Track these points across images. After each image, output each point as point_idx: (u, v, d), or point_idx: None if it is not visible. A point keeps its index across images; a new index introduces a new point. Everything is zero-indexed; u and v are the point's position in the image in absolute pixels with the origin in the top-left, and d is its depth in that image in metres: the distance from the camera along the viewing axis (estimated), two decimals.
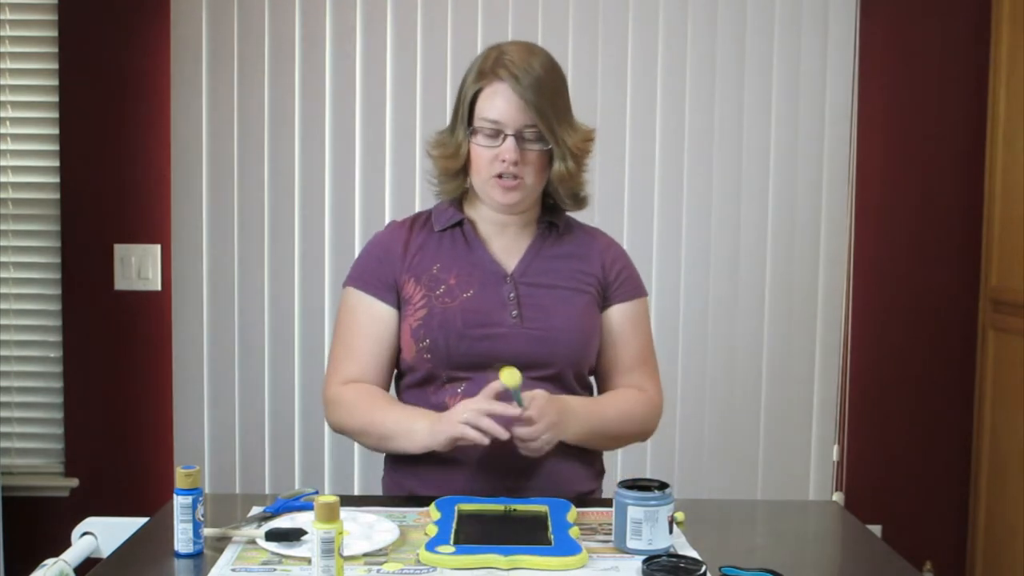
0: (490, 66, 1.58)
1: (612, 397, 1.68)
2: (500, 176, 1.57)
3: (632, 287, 1.71)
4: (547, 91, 1.57)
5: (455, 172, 1.64)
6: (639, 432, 1.71)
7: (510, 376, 1.43)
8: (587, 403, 1.62)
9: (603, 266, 1.68)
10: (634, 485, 1.34)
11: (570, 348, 1.60)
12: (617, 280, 1.69)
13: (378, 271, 1.65)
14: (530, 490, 1.56)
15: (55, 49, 2.68)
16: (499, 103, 1.56)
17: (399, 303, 1.64)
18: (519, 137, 1.56)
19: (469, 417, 1.44)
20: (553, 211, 1.70)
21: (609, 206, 2.65)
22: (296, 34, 2.65)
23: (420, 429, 1.53)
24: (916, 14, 2.71)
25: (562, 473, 1.60)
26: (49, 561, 1.34)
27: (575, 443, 1.57)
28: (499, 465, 1.56)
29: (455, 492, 1.54)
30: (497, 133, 1.57)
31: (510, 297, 1.60)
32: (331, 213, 2.67)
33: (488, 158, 1.57)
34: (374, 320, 1.64)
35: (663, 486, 1.33)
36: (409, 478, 1.64)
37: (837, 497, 2.74)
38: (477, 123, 1.58)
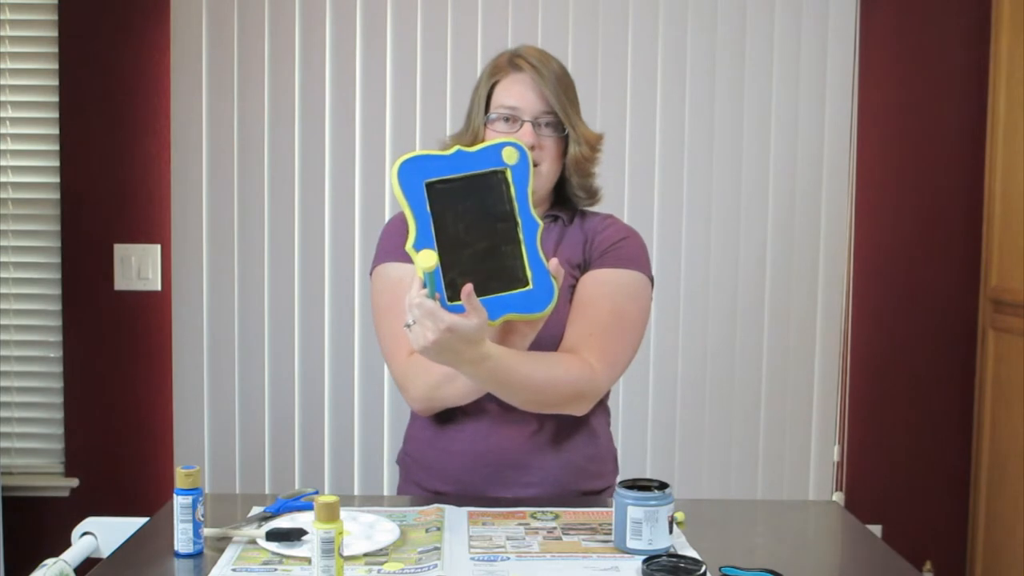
0: (505, 61, 1.61)
1: (546, 360, 1.49)
2: None
3: (616, 258, 1.60)
4: (563, 83, 1.60)
5: None
6: (568, 401, 1.53)
7: (425, 258, 1.26)
8: (510, 355, 1.42)
9: (590, 243, 1.63)
10: (634, 485, 1.33)
11: (552, 344, 1.55)
12: (602, 251, 1.61)
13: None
14: (532, 485, 1.57)
15: (55, 49, 2.68)
16: (517, 90, 1.58)
17: None
18: (535, 124, 1.57)
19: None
20: (562, 207, 1.68)
21: (608, 206, 2.62)
22: (296, 34, 2.65)
23: None
24: (916, 13, 2.71)
25: (567, 470, 1.60)
26: (49, 561, 1.34)
27: (486, 387, 1.46)
28: (500, 458, 1.57)
29: (454, 484, 1.57)
30: (514, 120, 1.57)
31: None
32: (331, 213, 2.67)
33: None
34: None
35: (663, 486, 1.33)
36: (415, 469, 1.66)
37: (837, 497, 2.74)
38: (494, 111, 1.59)
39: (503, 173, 1.36)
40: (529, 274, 1.36)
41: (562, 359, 1.51)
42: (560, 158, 1.61)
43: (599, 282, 1.59)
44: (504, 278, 1.35)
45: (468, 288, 1.28)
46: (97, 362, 2.72)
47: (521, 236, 1.36)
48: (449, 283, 1.30)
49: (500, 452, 1.57)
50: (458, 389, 1.51)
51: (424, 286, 1.28)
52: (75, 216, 2.70)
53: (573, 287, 1.60)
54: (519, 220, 1.36)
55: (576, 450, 1.61)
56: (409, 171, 1.32)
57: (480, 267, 1.33)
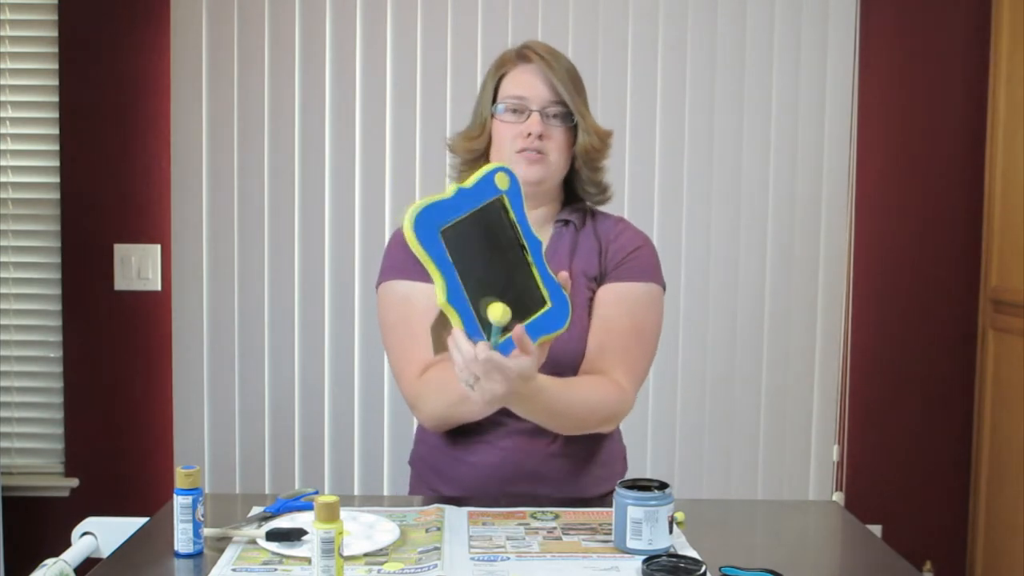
0: (514, 55, 1.61)
1: (583, 385, 1.54)
2: (523, 151, 1.56)
3: (631, 270, 1.61)
4: (572, 76, 1.61)
5: (478, 156, 1.62)
6: (602, 424, 1.59)
7: (501, 312, 1.28)
8: (556, 384, 1.46)
9: (605, 253, 1.63)
10: (634, 485, 1.33)
11: (572, 358, 1.57)
12: (617, 262, 1.62)
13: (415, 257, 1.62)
14: (549, 493, 1.57)
15: (55, 49, 2.68)
16: (525, 79, 1.58)
17: None
18: (543, 114, 1.57)
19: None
20: (572, 208, 1.67)
21: (608, 206, 2.64)
22: (296, 34, 2.65)
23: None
24: (916, 14, 2.71)
25: (582, 477, 1.60)
26: (49, 561, 1.34)
27: (531, 418, 1.48)
28: (517, 468, 1.57)
29: (472, 491, 1.56)
30: (522, 110, 1.57)
31: None
32: (331, 213, 2.67)
33: (512, 134, 1.57)
34: (432, 300, 1.51)
35: (663, 486, 1.33)
36: (429, 474, 1.66)
37: (837, 497, 2.74)
38: (502, 101, 1.59)
39: (500, 201, 1.35)
40: (545, 293, 1.36)
41: (596, 383, 1.54)
42: (568, 149, 1.61)
43: (619, 298, 1.60)
44: (527, 303, 1.35)
45: (520, 329, 1.28)
46: (97, 362, 2.72)
47: (530, 259, 1.36)
48: (481, 322, 1.30)
49: (516, 462, 1.56)
50: (475, 406, 1.49)
51: (472, 339, 1.28)
52: (75, 216, 2.70)
53: (591, 299, 1.60)
54: (525, 244, 1.36)
55: (591, 458, 1.61)
56: (422, 224, 1.29)
57: (504, 300, 1.33)
